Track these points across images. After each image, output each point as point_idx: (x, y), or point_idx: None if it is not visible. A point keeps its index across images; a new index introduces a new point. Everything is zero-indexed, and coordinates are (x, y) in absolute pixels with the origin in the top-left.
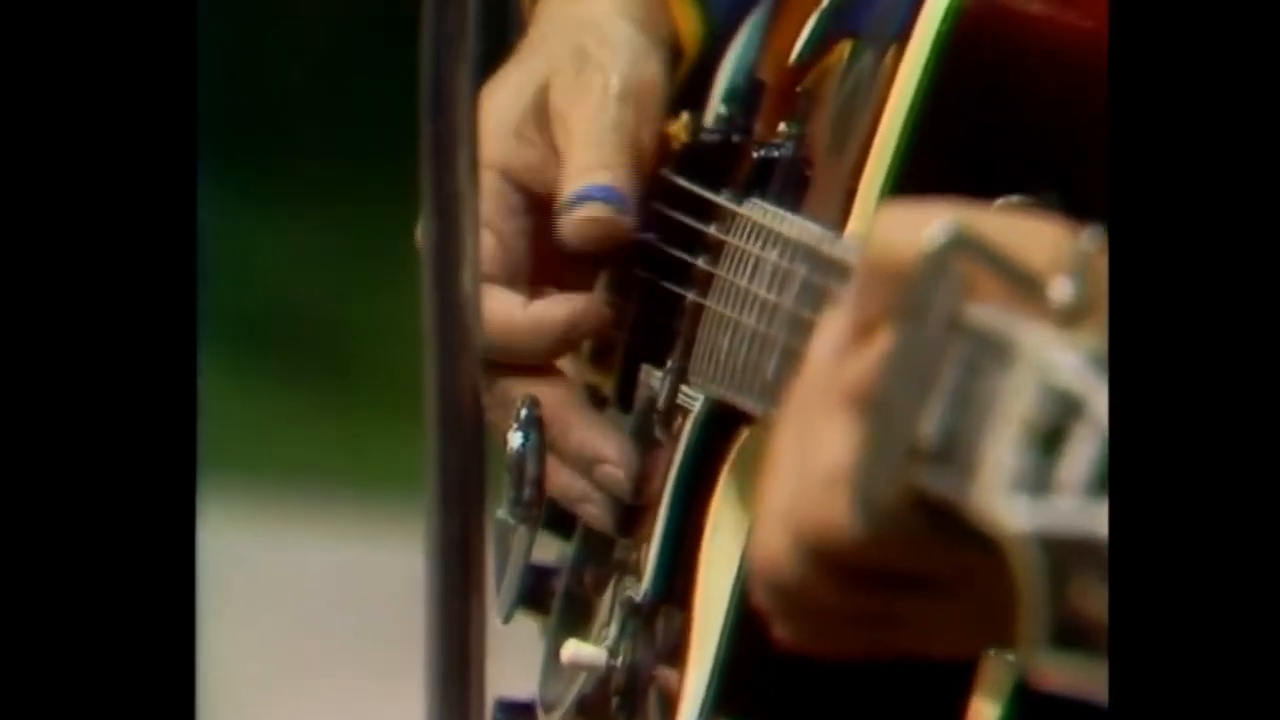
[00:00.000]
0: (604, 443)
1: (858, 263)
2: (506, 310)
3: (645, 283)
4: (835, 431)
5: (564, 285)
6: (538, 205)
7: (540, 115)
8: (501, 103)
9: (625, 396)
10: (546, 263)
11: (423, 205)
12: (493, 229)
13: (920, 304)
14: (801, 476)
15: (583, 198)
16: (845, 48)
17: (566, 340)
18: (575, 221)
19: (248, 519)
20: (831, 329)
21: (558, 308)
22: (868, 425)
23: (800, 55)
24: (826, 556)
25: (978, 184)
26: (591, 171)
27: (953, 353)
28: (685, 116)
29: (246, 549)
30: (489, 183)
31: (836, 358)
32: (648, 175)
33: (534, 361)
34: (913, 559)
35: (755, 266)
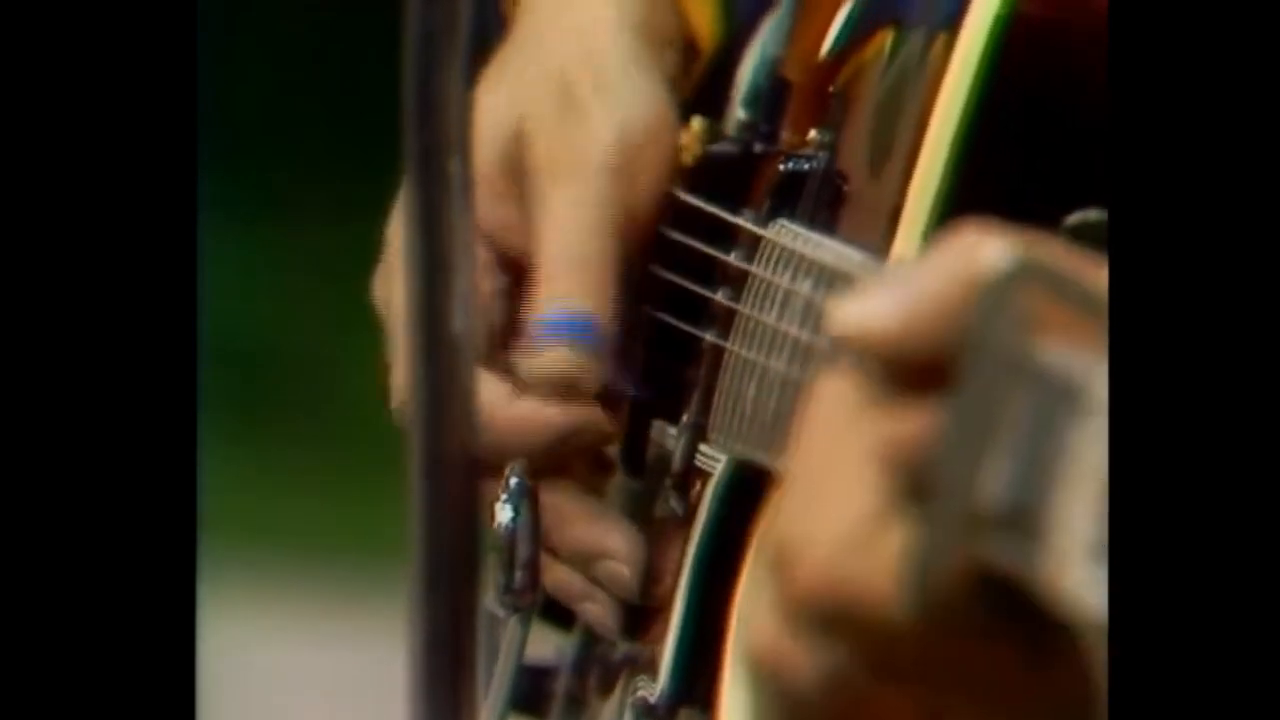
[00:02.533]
0: (606, 535)
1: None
2: (487, 401)
3: (653, 322)
4: (856, 490)
5: None
6: (515, 263)
7: (514, 166)
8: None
9: (634, 458)
10: (527, 324)
11: (406, 229)
12: None
13: (979, 343)
14: (817, 547)
15: (551, 331)
16: (886, 39)
17: (553, 452)
18: (540, 363)
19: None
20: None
21: (550, 413)
22: (917, 489)
23: (832, 49)
24: (856, 642)
25: (1044, 194)
26: (567, 297)
27: (1018, 400)
28: (698, 124)
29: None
30: None
31: (867, 405)
32: (645, 249)
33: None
34: (969, 647)
35: (785, 300)
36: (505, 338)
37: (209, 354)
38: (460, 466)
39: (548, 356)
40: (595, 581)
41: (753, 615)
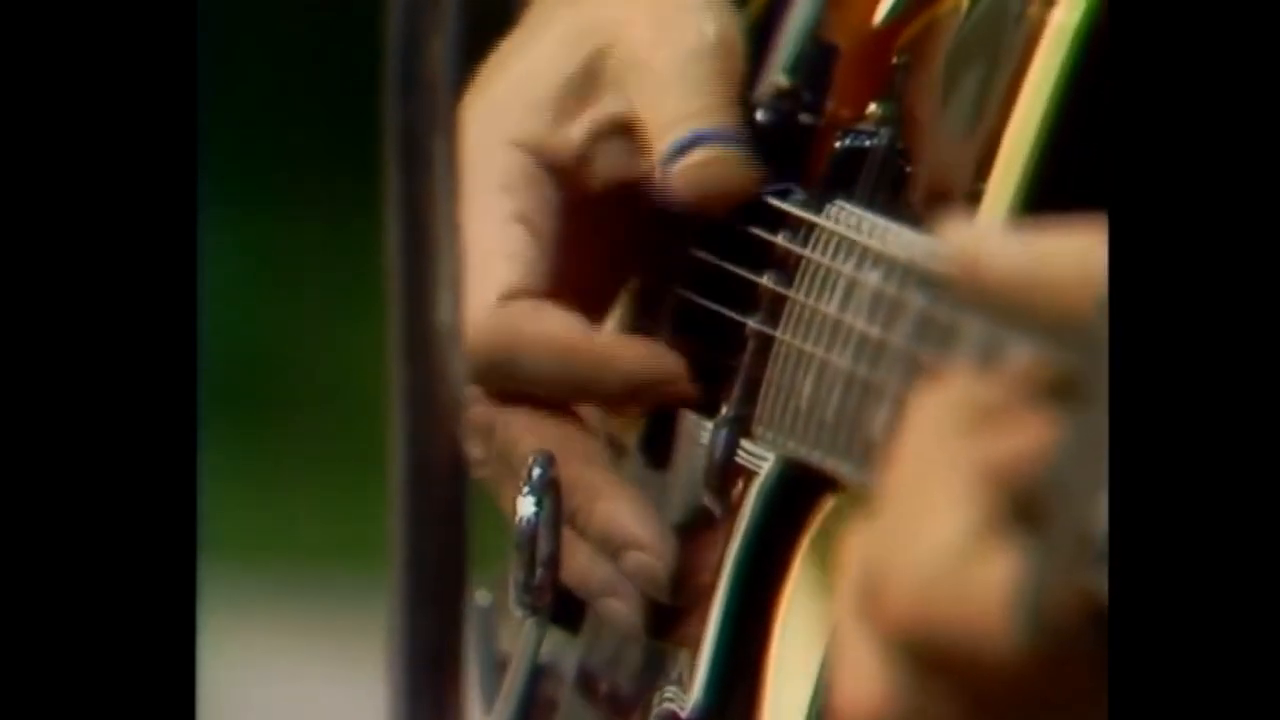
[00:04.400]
0: (639, 523)
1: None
2: (565, 333)
3: (685, 304)
4: (955, 510)
5: (590, 301)
6: (573, 197)
7: (590, 85)
8: (537, 67)
9: (655, 450)
10: (584, 271)
11: (388, 215)
12: (529, 224)
13: (1100, 360)
14: (909, 572)
15: (693, 142)
16: (956, 5)
17: (640, 393)
18: (690, 167)
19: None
20: (964, 380)
21: (640, 352)
22: (1026, 511)
23: (889, 15)
24: (953, 679)
25: None
26: (700, 114)
27: None
28: None
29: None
30: (519, 166)
31: (971, 418)
32: None
33: (586, 402)
34: (1080, 688)
35: (849, 290)
36: (566, 271)
37: (209, 355)
38: (447, 468)
39: (696, 158)
40: (622, 573)
41: (831, 647)
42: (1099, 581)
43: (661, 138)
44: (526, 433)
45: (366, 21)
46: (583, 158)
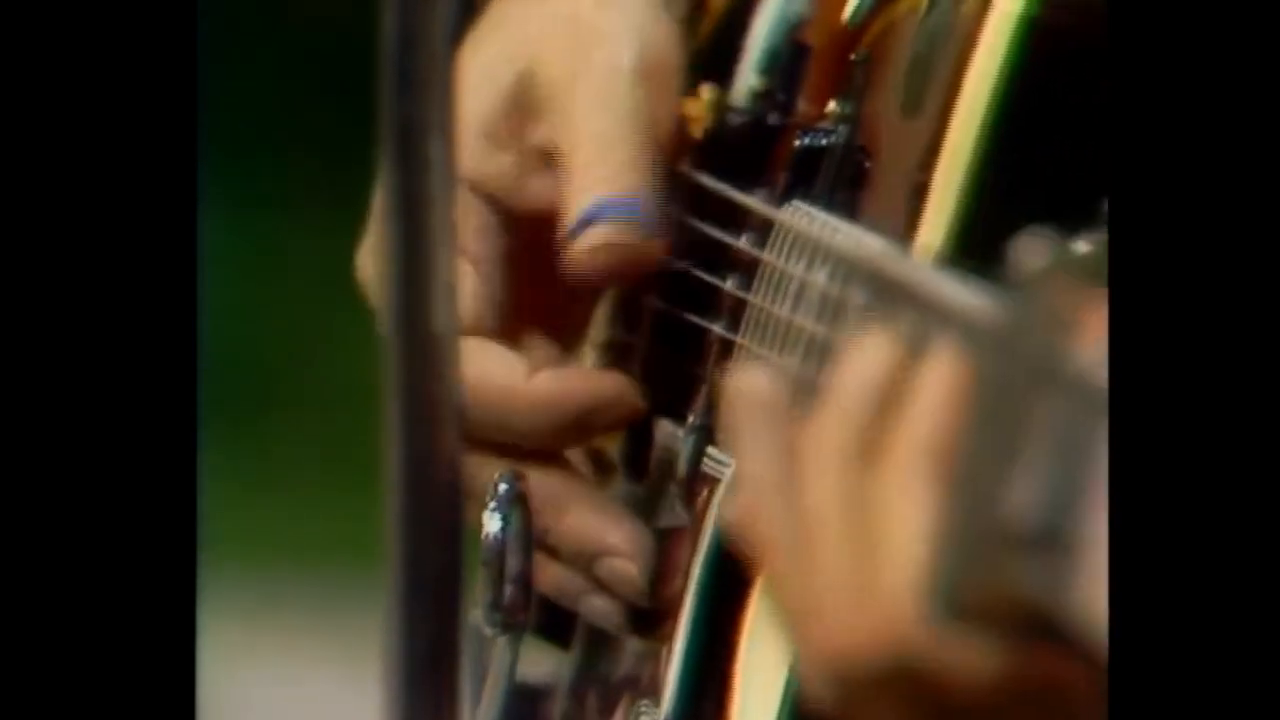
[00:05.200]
0: (608, 529)
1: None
2: (502, 378)
3: (658, 313)
4: (911, 504)
5: (556, 324)
6: (517, 224)
7: (518, 109)
8: (466, 99)
9: (636, 460)
10: (533, 297)
11: (383, 216)
12: (470, 258)
13: (1007, 345)
14: (868, 575)
15: (593, 217)
16: (918, 2)
17: (581, 429)
18: (585, 250)
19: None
20: (835, 415)
21: (576, 385)
22: (944, 499)
23: (855, 14)
24: (917, 681)
25: (1089, 173)
26: (606, 181)
27: (1050, 410)
28: (709, 92)
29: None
30: (458, 201)
31: (856, 449)
32: (667, 175)
33: (533, 447)
34: (1002, 679)
35: (800, 292)
36: (511, 302)
37: (208, 355)
38: (443, 473)
39: (592, 239)
40: (597, 582)
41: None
42: (1020, 572)
43: (569, 209)
44: (488, 457)
45: (365, 20)
46: (522, 184)
